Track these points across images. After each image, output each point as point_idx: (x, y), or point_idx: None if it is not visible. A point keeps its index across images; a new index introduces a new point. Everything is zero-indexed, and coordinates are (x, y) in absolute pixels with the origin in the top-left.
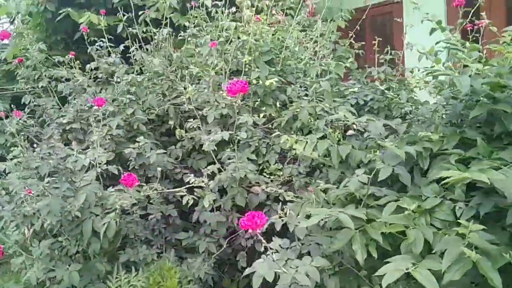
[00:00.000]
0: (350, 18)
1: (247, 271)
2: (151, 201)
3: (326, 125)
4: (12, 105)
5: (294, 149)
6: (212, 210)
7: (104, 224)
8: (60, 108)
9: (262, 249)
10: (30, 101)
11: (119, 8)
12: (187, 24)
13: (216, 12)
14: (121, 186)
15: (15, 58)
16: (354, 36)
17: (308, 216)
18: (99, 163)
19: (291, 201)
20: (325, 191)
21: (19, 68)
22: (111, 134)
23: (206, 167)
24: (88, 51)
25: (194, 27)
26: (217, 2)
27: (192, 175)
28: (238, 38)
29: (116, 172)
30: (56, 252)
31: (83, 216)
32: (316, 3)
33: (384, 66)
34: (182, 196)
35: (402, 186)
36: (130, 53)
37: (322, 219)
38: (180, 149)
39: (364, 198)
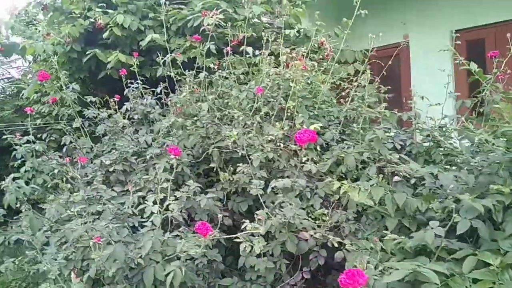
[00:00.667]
0: (364, 60)
1: None
2: None
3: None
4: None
5: (339, 194)
6: (258, 256)
7: (170, 272)
8: (92, 148)
9: None
10: (70, 142)
11: (141, 49)
12: (211, 66)
13: (254, 55)
14: (182, 233)
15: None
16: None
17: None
18: (165, 210)
19: (338, 248)
20: (380, 239)
21: (51, 107)
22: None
23: (245, 210)
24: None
25: (223, 70)
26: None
27: (248, 221)
28: (278, 84)
29: (181, 219)
30: None
31: (145, 263)
32: (333, 46)
33: (414, 111)
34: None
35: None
36: (157, 93)
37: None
38: (221, 191)
39: (437, 251)
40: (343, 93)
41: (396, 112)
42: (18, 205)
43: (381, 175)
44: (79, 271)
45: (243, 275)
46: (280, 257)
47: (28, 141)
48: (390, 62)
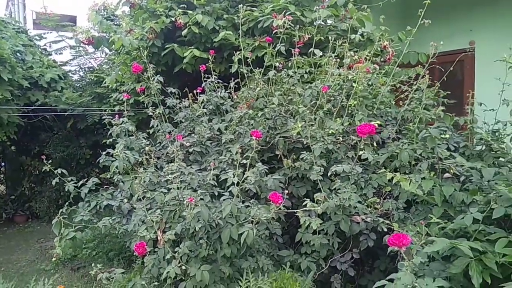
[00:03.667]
0: (426, 63)
1: (392, 276)
2: None
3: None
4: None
5: (391, 185)
6: (313, 233)
7: (243, 232)
8: (170, 132)
9: (353, 273)
10: (157, 125)
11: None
12: (277, 64)
13: (320, 57)
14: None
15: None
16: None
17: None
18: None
19: (387, 233)
20: (427, 225)
21: (140, 96)
22: (232, 159)
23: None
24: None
25: (288, 69)
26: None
27: (308, 199)
28: (340, 84)
29: (255, 191)
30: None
31: (223, 224)
32: (395, 49)
33: (471, 116)
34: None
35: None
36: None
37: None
38: (283, 176)
39: (474, 233)
40: (402, 95)
41: (450, 115)
42: (109, 176)
43: (432, 172)
44: (165, 230)
45: (298, 252)
46: (333, 236)
47: (122, 122)
48: (452, 68)
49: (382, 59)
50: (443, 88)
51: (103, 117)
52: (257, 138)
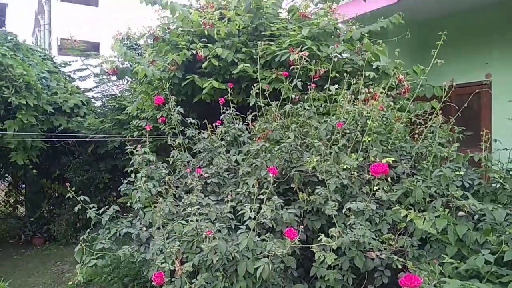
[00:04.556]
0: (442, 96)
1: None
2: None
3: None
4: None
5: (406, 221)
6: (328, 268)
7: (259, 266)
8: (188, 162)
9: None
10: (175, 155)
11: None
12: (293, 96)
13: (336, 93)
14: (268, 238)
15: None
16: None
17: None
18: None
19: (402, 271)
20: (440, 264)
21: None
22: (249, 191)
23: (318, 228)
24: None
25: (304, 102)
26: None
27: (322, 234)
28: (355, 119)
29: (270, 225)
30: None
31: (240, 257)
32: (410, 82)
33: (486, 153)
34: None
35: None
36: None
37: None
38: (298, 209)
39: (486, 275)
40: (417, 131)
41: (462, 154)
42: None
43: (447, 209)
44: (182, 260)
45: (312, 286)
46: (348, 272)
47: (144, 152)
48: (469, 100)
49: (397, 92)
50: (459, 119)
51: (123, 143)
52: (274, 175)
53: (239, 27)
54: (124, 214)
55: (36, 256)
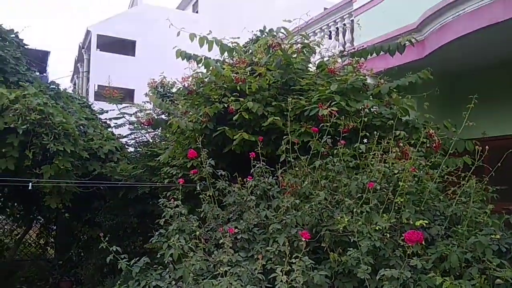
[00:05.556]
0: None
1: None
2: None
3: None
4: None
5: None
6: None
7: None
8: (218, 215)
9: None
10: (206, 208)
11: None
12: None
13: (363, 152)
14: None
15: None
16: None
17: None
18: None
19: None
20: None
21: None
22: (279, 250)
23: None
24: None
25: (333, 156)
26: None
27: None
28: (386, 177)
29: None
30: None
31: None
32: (441, 137)
33: None
34: None
35: None
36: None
37: None
38: (329, 270)
39: None
40: (451, 189)
41: (498, 222)
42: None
43: (483, 276)
44: None
45: None
46: None
47: (177, 206)
48: (504, 157)
49: (428, 146)
50: (496, 176)
51: (153, 188)
52: (306, 239)
53: (269, 82)
54: (154, 266)
55: None
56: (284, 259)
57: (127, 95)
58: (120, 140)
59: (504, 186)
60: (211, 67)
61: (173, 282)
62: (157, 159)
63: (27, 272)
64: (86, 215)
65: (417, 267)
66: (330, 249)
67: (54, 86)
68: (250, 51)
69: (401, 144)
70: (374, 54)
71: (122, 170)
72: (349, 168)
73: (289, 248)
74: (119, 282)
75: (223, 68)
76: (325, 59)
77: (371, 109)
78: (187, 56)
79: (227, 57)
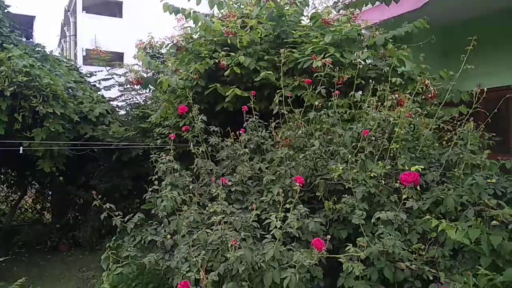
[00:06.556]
0: (472, 101)
1: None
2: None
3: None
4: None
5: (436, 231)
6: (356, 279)
7: (286, 277)
8: (211, 170)
9: None
10: (199, 163)
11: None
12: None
13: (360, 100)
14: (294, 247)
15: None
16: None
17: None
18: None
19: (433, 281)
20: (474, 275)
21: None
22: (273, 200)
23: (344, 237)
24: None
25: (328, 109)
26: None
27: (350, 244)
28: (381, 126)
29: (296, 234)
30: None
31: (266, 267)
32: (437, 87)
33: None
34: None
35: None
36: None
37: None
38: (324, 218)
39: None
40: (446, 137)
41: (496, 162)
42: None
43: (479, 218)
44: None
45: None
46: (376, 282)
47: (169, 160)
48: (499, 105)
49: (423, 97)
50: (488, 124)
51: (146, 150)
52: (300, 184)
53: (261, 35)
54: (149, 222)
55: (62, 262)
56: (278, 208)
57: (116, 59)
58: (111, 103)
59: (498, 138)
60: (200, 22)
61: (168, 236)
62: (149, 120)
63: (25, 236)
64: (80, 178)
65: (413, 209)
66: (324, 197)
67: (40, 49)
68: (241, 4)
69: (397, 96)
70: (370, 5)
71: (114, 133)
72: (343, 121)
73: (283, 198)
74: (114, 238)
75: (213, 22)
76: (319, 11)
77: (366, 61)
78: (174, 10)
79: (216, 12)
